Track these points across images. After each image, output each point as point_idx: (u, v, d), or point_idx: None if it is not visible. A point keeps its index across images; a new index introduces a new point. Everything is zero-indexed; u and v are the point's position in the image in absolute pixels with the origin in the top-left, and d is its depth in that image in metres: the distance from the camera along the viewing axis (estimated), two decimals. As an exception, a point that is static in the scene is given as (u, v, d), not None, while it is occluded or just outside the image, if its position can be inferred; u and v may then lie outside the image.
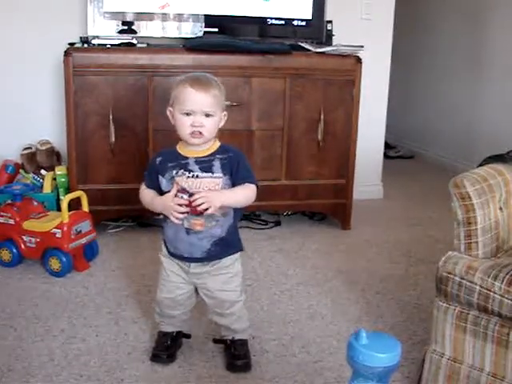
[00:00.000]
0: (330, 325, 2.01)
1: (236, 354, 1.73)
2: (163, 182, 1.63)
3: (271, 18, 2.97)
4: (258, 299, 2.17)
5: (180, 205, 1.55)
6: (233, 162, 1.62)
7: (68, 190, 2.70)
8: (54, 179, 2.85)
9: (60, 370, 1.68)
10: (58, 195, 2.80)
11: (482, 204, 1.49)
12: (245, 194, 1.63)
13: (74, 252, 2.33)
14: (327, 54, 2.83)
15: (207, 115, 1.58)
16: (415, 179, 4.21)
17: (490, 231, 1.52)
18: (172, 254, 1.68)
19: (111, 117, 2.61)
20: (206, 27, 2.91)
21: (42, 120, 3.09)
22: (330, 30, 3.05)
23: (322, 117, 2.82)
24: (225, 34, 2.90)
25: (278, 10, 2.98)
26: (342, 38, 3.03)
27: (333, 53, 2.83)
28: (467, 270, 1.43)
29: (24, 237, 2.37)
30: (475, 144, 4.13)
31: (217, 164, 1.61)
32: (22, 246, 2.37)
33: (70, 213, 2.34)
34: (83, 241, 2.37)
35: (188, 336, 1.83)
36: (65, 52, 2.56)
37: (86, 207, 2.44)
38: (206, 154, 1.62)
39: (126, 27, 2.82)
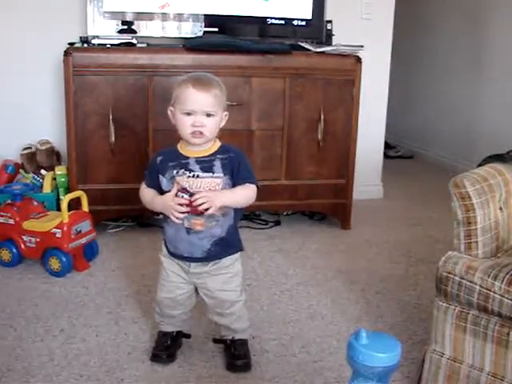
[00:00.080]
0: (329, 325, 2.00)
1: (236, 354, 1.73)
2: (163, 181, 1.63)
3: (271, 18, 2.97)
4: (258, 299, 2.17)
5: (180, 204, 1.55)
6: (233, 162, 1.62)
7: (68, 190, 2.70)
8: (54, 179, 2.85)
9: (60, 370, 1.68)
10: (58, 195, 2.80)
11: (481, 204, 1.49)
12: (245, 195, 1.63)
13: (73, 252, 2.33)
14: (327, 53, 2.83)
15: (208, 115, 1.58)
16: (415, 179, 4.21)
17: (489, 231, 1.52)
18: (172, 254, 1.68)
19: (111, 117, 2.61)
20: (205, 27, 2.91)
21: (41, 120, 3.09)
22: (330, 30, 3.05)
23: (321, 117, 2.82)
24: (225, 33, 2.90)
25: (278, 10, 2.98)
26: (342, 37, 3.03)
27: (333, 52, 2.83)
28: (467, 269, 1.43)
29: (24, 237, 2.37)
30: (475, 144, 4.13)
31: (217, 164, 1.61)
32: (22, 246, 2.37)
33: (70, 213, 2.34)
34: (83, 241, 2.37)
35: (188, 336, 1.83)
36: (65, 52, 2.56)
37: (85, 207, 2.44)
38: (206, 154, 1.62)
39: (125, 27, 2.82)
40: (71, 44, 2.70)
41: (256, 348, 1.82)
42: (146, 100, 2.65)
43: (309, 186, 2.91)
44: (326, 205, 2.97)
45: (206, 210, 1.54)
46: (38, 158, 2.94)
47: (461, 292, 1.43)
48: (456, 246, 1.53)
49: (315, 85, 2.80)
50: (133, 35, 2.77)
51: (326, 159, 2.89)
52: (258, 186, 1.65)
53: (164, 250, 1.71)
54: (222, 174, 1.60)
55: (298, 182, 2.89)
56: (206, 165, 1.60)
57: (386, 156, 3.91)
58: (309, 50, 2.86)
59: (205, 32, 2.90)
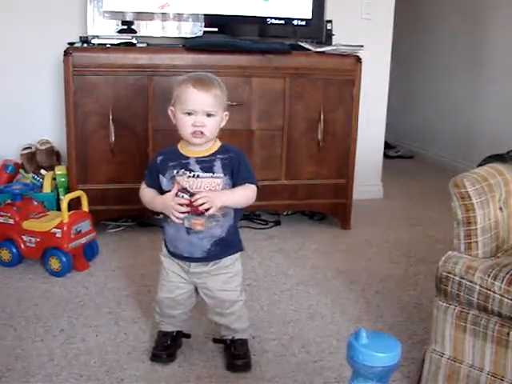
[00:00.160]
0: (329, 324, 2.00)
1: (236, 354, 1.73)
2: (164, 181, 1.63)
3: (271, 18, 2.97)
4: (258, 299, 2.17)
5: (181, 204, 1.55)
6: (234, 162, 1.62)
7: (68, 190, 2.70)
8: (54, 179, 2.85)
9: (60, 370, 1.68)
10: (58, 195, 2.80)
11: (481, 204, 1.49)
12: (245, 195, 1.63)
13: (73, 252, 2.33)
14: (327, 53, 2.83)
15: (209, 115, 1.58)
16: (415, 179, 4.21)
17: (489, 231, 1.52)
18: (172, 254, 1.68)
19: (111, 116, 2.61)
20: (205, 27, 2.91)
21: (41, 120, 3.09)
22: (330, 30, 3.05)
23: (321, 116, 2.82)
24: (225, 33, 2.90)
25: (278, 10, 2.98)
26: (342, 37, 3.03)
27: (333, 52, 2.83)
28: (467, 269, 1.43)
29: (24, 237, 2.37)
30: (475, 144, 4.13)
31: (218, 164, 1.61)
32: (22, 246, 2.37)
33: (70, 213, 2.34)
34: (83, 241, 2.37)
35: (188, 336, 1.83)
36: (64, 52, 2.56)
37: (85, 207, 2.44)
38: (206, 154, 1.62)
39: (125, 27, 2.82)
40: (71, 44, 2.70)
41: (256, 348, 1.82)
42: (146, 100, 2.65)
43: (309, 185, 2.91)
44: (326, 205, 2.97)
45: (207, 210, 1.54)
46: (37, 158, 2.94)
47: (461, 292, 1.43)
48: (456, 245, 1.53)
49: (315, 85, 2.81)
50: (133, 35, 2.77)
51: (326, 159, 2.89)
52: (258, 186, 1.65)
53: (164, 249, 1.71)
54: (222, 174, 1.60)
55: (298, 181, 2.89)
56: (206, 165, 1.60)
57: (385, 156, 3.91)
58: (309, 50, 2.86)
59: (205, 32, 2.90)
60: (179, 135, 1.64)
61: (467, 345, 1.46)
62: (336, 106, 2.84)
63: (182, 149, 1.64)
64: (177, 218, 1.57)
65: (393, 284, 2.35)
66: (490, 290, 1.38)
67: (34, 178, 2.87)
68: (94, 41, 2.71)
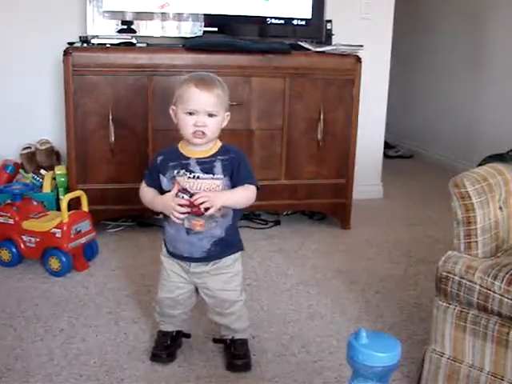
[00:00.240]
0: (329, 324, 2.00)
1: (236, 354, 1.73)
2: (164, 181, 1.63)
3: (271, 18, 2.97)
4: (258, 299, 2.17)
5: (181, 205, 1.55)
6: (234, 162, 1.62)
7: (67, 190, 2.70)
8: (54, 179, 2.85)
9: (60, 370, 1.68)
10: (58, 195, 2.80)
11: (481, 203, 1.49)
12: (245, 195, 1.63)
13: (73, 252, 2.33)
14: (327, 53, 2.83)
15: (210, 115, 1.58)
16: (415, 179, 4.21)
17: (489, 231, 1.52)
18: (172, 254, 1.68)
19: (111, 116, 2.61)
20: (205, 27, 2.91)
21: (41, 120, 3.09)
22: (330, 30, 3.05)
23: (321, 116, 2.82)
24: (224, 33, 2.90)
25: (278, 10, 2.98)
26: (342, 37, 3.03)
27: (332, 52, 2.83)
28: (467, 269, 1.43)
29: (24, 236, 2.37)
30: (475, 144, 4.13)
31: (218, 165, 1.61)
32: (22, 246, 2.37)
33: (70, 212, 2.34)
34: (83, 240, 2.37)
35: (188, 335, 1.83)
36: (64, 51, 2.55)
37: (85, 207, 2.44)
38: (207, 155, 1.62)
39: (125, 27, 2.82)
40: (71, 44, 2.70)
41: (256, 348, 1.82)
42: (146, 100, 2.65)
43: (308, 185, 2.91)
44: (326, 204, 2.97)
45: (206, 210, 1.54)
46: (37, 158, 2.94)
47: (461, 292, 1.43)
48: (456, 245, 1.53)
49: (315, 84, 2.80)
50: (132, 35, 2.77)
51: (326, 159, 2.89)
52: (258, 187, 1.65)
53: (164, 249, 1.71)
54: (222, 176, 1.60)
55: (298, 181, 2.89)
56: (206, 166, 1.60)
57: (385, 156, 3.91)
58: (309, 50, 2.86)
59: (204, 32, 2.90)
60: (179, 135, 1.64)
61: (467, 345, 1.46)
62: (336, 105, 2.84)
63: (183, 149, 1.64)
64: (177, 218, 1.57)
65: (393, 284, 2.35)
66: (489, 290, 1.38)
67: (33, 177, 2.87)
68: (93, 41, 2.70)
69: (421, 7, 4.89)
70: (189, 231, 1.61)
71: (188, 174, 1.59)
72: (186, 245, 1.63)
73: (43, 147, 2.93)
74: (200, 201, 1.53)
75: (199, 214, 1.56)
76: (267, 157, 2.83)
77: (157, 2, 2.84)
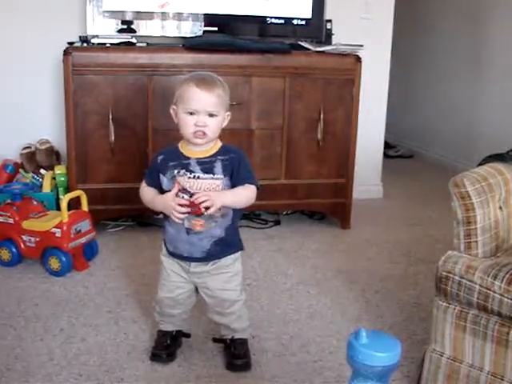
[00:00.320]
0: (329, 324, 2.00)
1: (236, 354, 1.72)
2: (164, 180, 1.63)
3: (271, 17, 2.97)
4: (258, 298, 2.17)
5: (181, 205, 1.55)
6: (234, 162, 1.61)
7: (67, 190, 2.70)
8: (54, 178, 2.84)
9: (60, 370, 1.68)
10: (58, 195, 2.80)
11: (481, 203, 1.49)
12: (245, 195, 1.63)
13: (73, 251, 2.33)
14: (327, 53, 2.83)
15: (211, 115, 1.58)
16: (415, 179, 4.21)
17: (489, 230, 1.52)
18: (172, 254, 1.68)
19: (111, 116, 2.61)
20: (205, 26, 2.91)
21: (41, 119, 3.09)
22: (330, 29, 3.05)
23: (321, 116, 2.82)
24: (224, 33, 2.90)
25: (278, 9, 2.98)
26: (342, 37, 3.03)
27: (332, 52, 2.83)
28: (467, 269, 1.43)
29: (23, 236, 2.37)
30: (475, 144, 4.13)
31: (218, 165, 1.60)
32: (22, 246, 2.37)
33: (70, 212, 2.33)
34: (83, 240, 2.37)
35: (188, 335, 1.83)
36: (64, 51, 2.55)
37: (85, 207, 2.44)
38: (207, 155, 1.61)
39: (125, 26, 2.82)
40: (71, 43, 2.70)
41: (256, 347, 1.82)
42: (146, 99, 2.65)
43: (308, 185, 2.91)
44: (326, 204, 2.97)
45: (206, 209, 1.54)
46: (37, 158, 2.94)
47: (460, 291, 1.43)
48: (456, 245, 1.53)
49: (315, 84, 2.80)
50: (132, 34, 2.77)
51: (326, 159, 2.89)
52: (258, 187, 1.65)
53: (164, 249, 1.71)
54: (222, 176, 1.60)
55: (298, 181, 2.89)
56: (206, 166, 1.60)
57: (385, 155, 3.91)
58: (308, 50, 2.86)
59: (204, 31, 2.90)
60: (179, 135, 1.64)
61: (467, 344, 1.46)
62: (336, 105, 2.84)
63: (183, 148, 1.64)
64: (177, 218, 1.57)
65: (393, 284, 2.35)
66: (489, 290, 1.38)
67: (33, 177, 2.87)
68: (93, 40, 2.70)
69: (421, 7, 4.89)
70: (189, 231, 1.61)
71: (188, 173, 1.59)
72: (186, 245, 1.63)
73: (43, 147, 2.93)
74: (200, 200, 1.53)
75: (199, 214, 1.56)
76: (267, 156, 2.82)
77: (157, 1, 2.84)
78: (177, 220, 1.57)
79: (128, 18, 2.83)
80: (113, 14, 2.81)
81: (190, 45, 2.69)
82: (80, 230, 2.35)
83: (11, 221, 2.38)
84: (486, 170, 1.58)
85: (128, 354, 1.78)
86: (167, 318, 1.77)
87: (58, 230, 2.29)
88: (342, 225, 3.01)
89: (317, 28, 3.05)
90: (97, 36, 2.74)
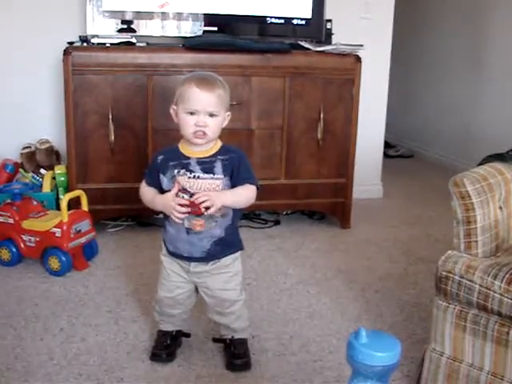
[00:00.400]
0: (329, 324, 2.00)
1: (236, 353, 1.73)
2: (164, 180, 1.63)
3: (271, 17, 2.97)
4: (258, 298, 2.17)
5: (181, 205, 1.55)
6: (234, 162, 1.61)
7: (67, 189, 2.70)
8: (54, 178, 2.84)
9: (59, 369, 1.68)
10: (58, 194, 2.80)
11: (481, 203, 1.49)
12: (245, 195, 1.62)
13: (73, 251, 2.33)
14: (327, 52, 2.83)
15: (211, 115, 1.58)
16: (415, 178, 4.21)
17: (489, 230, 1.52)
18: (172, 254, 1.68)
19: (110, 116, 2.61)
20: (205, 26, 2.90)
21: (41, 119, 3.09)
22: (330, 29, 3.05)
23: (321, 116, 2.82)
24: (224, 32, 2.90)
25: (278, 9, 2.98)
26: (342, 36, 3.03)
27: (332, 52, 2.83)
28: (467, 268, 1.43)
29: (23, 236, 2.37)
30: (475, 144, 4.13)
31: (218, 165, 1.60)
32: (22, 246, 2.37)
33: (70, 212, 2.34)
34: (83, 240, 2.37)
35: (187, 335, 1.83)
36: (64, 51, 2.55)
37: (85, 206, 2.44)
38: (207, 155, 1.61)
39: (125, 26, 2.82)
40: (71, 43, 2.70)
41: (256, 347, 1.82)
42: (146, 99, 2.65)
43: (308, 185, 2.91)
44: (326, 204, 2.97)
45: (207, 209, 1.54)
46: (37, 158, 2.94)
47: (460, 291, 1.43)
48: (456, 245, 1.53)
49: (315, 84, 2.80)
50: (132, 34, 2.77)
51: (326, 158, 2.89)
52: (258, 187, 1.65)
53: (164, 249, 1.71)
54: (222, 175, 1.60)
55: (298, 181, 2.89)
56: (206, 166, 1.60)
57: (385, 155, 3.91)
58: (308, 49, 2.86)
59: (204, 31, 2.90)
60: (179, 135, 1.63)
61: (467, 344, 1.46)
62: (336, 105, 2.84)
63: (183, 148, 1.64)
64: (177, 218, 1.57)
65: (392, 283, 2.35)
66: (489, 290, 1.38)
67: (33, 177, 2.87)
68: (93, 40, 2.70)
69: (421, 7, 4.89)
70: (189, 231, 1.61)
71: (188, 173, 1.59)
72: (186, 244, 1.63)
73: (43, 147, 2.93)
74: (200, 200, 1.53)
75: (199, 214, 1.56)
76: (267, 156, 2.82)
77: (157, 1, 2.84)
78: (177, 220, 1.57)
79: (128, 17, 2.83)
80: (113, 13, 2.81)
81: (190, 45, 2.69)
82: (80, 230, 2.35)
83: (11, 221, 2.38)
84: (486, 170, 1.58)
85: (128, 353, 1.78)
86: (167, 318, 1.77)
87: (58, 229, 2.29)
88: (341, 224, 3.01)
89: (317, 28, 3.05)
90: (97, 36, 2.74)
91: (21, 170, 2.90)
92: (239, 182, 1.61)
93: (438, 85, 4.68)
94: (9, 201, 2.47)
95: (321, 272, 2.44)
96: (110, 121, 2.61)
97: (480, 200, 1.49)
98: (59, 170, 2.84)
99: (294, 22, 3.00)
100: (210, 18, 2.91)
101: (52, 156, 2.97)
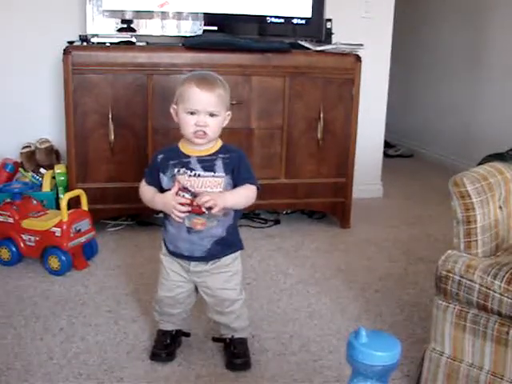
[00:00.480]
0: (329, 323, 2.00)
1: (235, 353, 1.73)
2: (164, 179, 1.63)
3: (271, 17, 2.97)
4: (258, 298, 2.17)
5: (182, 204, 1.55)
6: (235, 161, 1.61)
7: (67, 189, 2.70)
8: (54, 178, 2.84)
9: (59, 369, 1.68)
10: (58, 194, 2.80)
11: (481, 202, 1.49)
12: (246, 195, 1.62)
13: (73, 251, 2.33)
14: (327, 52, 2.83)
15: (211, 115, 1.58)
16: (415, 178, 4.21)
17: (489, 230, 1.52)
18: (172, 253, 1.68)
19: (110, 115, 2.61)
20: (205, 25, 2.90)
21: (41, 119, 3.09)
22: (330, 29, 3.05)
23: (321, 115, 2.82)
24: (224, 32, 2.90)
25: (278, 9, 2.98)
26: (342, 36, 3.03)
27: (332, 51, 2.83)
28: (467, 268, 1.43)
29: (23, 235, 2.36)
30: (475, 143, 4.13)
31: (219, 163, 1.60)
32: (22, 245, 2.37)
33: (70, 211, 2.33)
34: (82, 239, 2.37)
35: (187, 334, 1.83)
36: (64, 50, 2.55)
37: (85, 206, 2.44)
38: (208, 154, 1.61)
39: (125, 25, 2.82)
40: (70, 43, 2.70)
41: (255, 347, 1.82)
42: (146, 99, 2.65)
43: (308, 184, 2.90)
44: (326, 203, 2.97)
45: (208, 209, 1.54)
46: (37, 157, 2.94)
47: (460, 291, 1.43)
48: (456, 244, 1.53)
49: (315, 83, 2.80)
50: (132, 34, 2.77)
51: (326, 158, 2.89)
52: (258, 187, 1.65)
53: (164, 248, 1.71)
54: (223, 174, 1.60)
55: (298, 180, 2.89)
56: (207, 164, 1.60)
57: (385, 155, 3.91)
58: (308, 49, 2.86)
59: (204, 30, 2.90)
60: (179, 134, 1.63)
61: (467, 344, 1.46)
62: (336, 104, 2.84)
63: (183, 147, 1.64)
64: (177, 217, 1.56)
65: (392, 283, 2.35)
66: (489, 289, 1.38)
67: (33, 176, 2.87)
68: (93, 39, 2.70)
69: (421, 7, 4.89)
70: (190, 230, 1.61)
71: (189, 172, 1.59)
72: (187, 244, 1.63)
73: (43, 146, 2.93)
74: (203, 200, 1.53)
75: (200, 213, 1.56)
76: (267, 156, 2.82)
77: (156, 0, 2.84)
78: (177, 219, 1.57)
79: (128, 17, 2.83)
80: (112, 13, 2.81)
81: (190, 44, 2.69)
82: (80, 230, 2.35)
83: (11, 220, 2.38)
84: (485, 170, 1.58)
85: (128, 353, 1.78)
86: (167, 318, 1.77)
87: (58, 229, 2.29)
88: (341, 224, 3.01)
89: (317, 27, 3.05)
90: (97, 35, 2.74)
91: (21, 169, 2.90)
92: (239, 182, 1.61)
93: (437, 85, 4.68)
94: (8, 200, 2.47)
95: (320, 272, 2.44)
96: (110, 120, 2.61)
97: (480, 200, 1.49)
98: (59, 169, 2.84)
99: (294, 21, 3.00)
100: (209, 18, 2.91)
101: (52, 155, 2.98)
